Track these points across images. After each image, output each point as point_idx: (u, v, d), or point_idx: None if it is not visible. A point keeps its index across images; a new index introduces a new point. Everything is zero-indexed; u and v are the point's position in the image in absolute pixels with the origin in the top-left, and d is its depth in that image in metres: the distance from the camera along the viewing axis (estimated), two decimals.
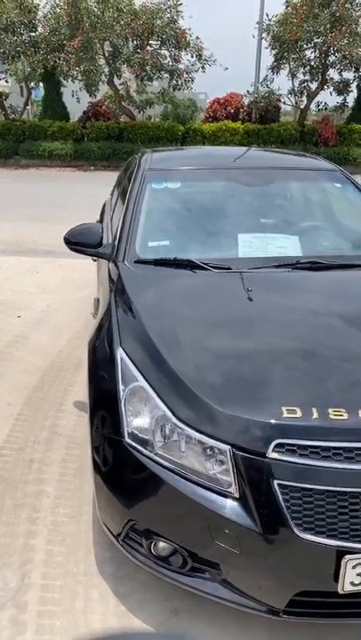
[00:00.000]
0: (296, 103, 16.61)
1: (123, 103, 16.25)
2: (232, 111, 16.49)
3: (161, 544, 1.66)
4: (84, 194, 9.82)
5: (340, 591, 1.48)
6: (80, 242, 2.67)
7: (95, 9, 13.88)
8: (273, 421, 1.53)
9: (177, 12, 14.36)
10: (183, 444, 1.61)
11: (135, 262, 2.46)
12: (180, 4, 14.33)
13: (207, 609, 1.85)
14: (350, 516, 1.46)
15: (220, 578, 1.61)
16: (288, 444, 1.50)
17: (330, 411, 1.55)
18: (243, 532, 1.49)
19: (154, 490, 1.63)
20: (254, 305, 2.12)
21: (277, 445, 1.50)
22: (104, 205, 4.56)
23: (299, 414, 1.54)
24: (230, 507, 1.52)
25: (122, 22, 13.90)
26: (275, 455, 1.49)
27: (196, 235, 2.74)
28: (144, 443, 1.66)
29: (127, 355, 1.84)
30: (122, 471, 1.71)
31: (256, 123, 16.02)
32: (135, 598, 1.92)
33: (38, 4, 14.84)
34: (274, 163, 3.51)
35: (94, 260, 3.60)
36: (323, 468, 1.47)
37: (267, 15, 15.03)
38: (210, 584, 1.63)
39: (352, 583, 1.47)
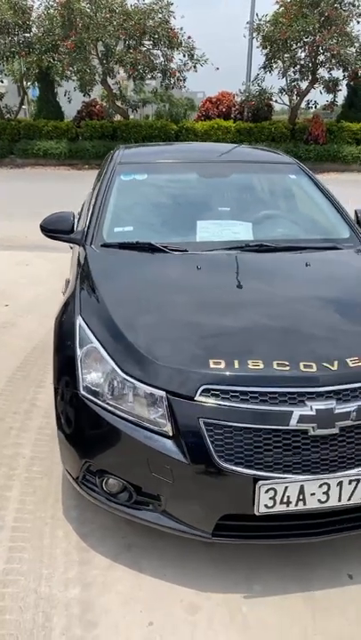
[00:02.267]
0: (289, 102, 16.83)
1: (116, 103, 16.49)
2: (224, 110, 16.71)
3: (111, 481, 1.93)
4: (78, 192, 10.01)
5: (257, 513, 1.75)
6: (54, 229, 2.94)
7: (88, 10, 14.13)
8: (200, 370, 1.81)
9: (169, 12, 14.61)
10: (130, 395, 1.88)
11: (102, 246, 2.73)
12: (172, 4, 14.60)
13: (158, 545, 2.12)
14: (264, 449, 1.73)
15: (160, 508, 1.88)
16: (213, 389, 1.77)
17: (249, 362, 1.82)
18: (175, 464, 1.76)
19: (104, 434, 1.90)
20: (200, 280, 2.39)
21: (204, 390, 1.77)
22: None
23: (223, 365, 1.82)
24: (165, 443, 1.79)
25: (114, 23, 14.14)
26: (201, 399, 1.76)
27: (159, 221, 3.01)
28: (96, 394, 1.93)
29: (85, 321, 2.12)
30: (78, 419, 1.98)
31: (248, 121, 16.27)
32: (95, 537, 2.18)
33: (32, 5, 15.07)
34: (236, 156, 3.78)
35: (71, 248, 3.85)
36: (241, 408, 1.74)
37: (257, 15, 15.31)
38: (152, 514, 1.90)
39: (266, 506, 1.74)
